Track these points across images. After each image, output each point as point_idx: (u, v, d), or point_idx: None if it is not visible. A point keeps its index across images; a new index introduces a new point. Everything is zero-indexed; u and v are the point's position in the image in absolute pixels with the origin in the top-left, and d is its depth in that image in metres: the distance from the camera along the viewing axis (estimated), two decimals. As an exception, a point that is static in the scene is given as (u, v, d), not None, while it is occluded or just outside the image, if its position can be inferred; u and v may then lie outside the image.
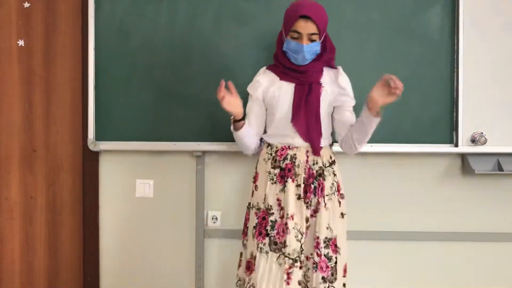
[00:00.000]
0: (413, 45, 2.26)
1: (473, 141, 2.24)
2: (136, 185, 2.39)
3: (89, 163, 2.39)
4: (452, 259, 2.37)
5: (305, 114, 1.86)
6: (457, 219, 2.36)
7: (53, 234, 2.47)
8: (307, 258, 1.84)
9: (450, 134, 2.26)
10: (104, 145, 2.32)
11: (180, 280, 2.40)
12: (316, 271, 1.82)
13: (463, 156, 2.32)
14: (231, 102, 1.82)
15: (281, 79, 1.91)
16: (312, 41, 1.81)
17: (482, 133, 2.23)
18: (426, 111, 2.26)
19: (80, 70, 2.38)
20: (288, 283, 1.80)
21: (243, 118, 1.90)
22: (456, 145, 2.25)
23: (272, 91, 1.91)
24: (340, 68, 1.95)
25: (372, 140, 2.23)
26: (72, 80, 2.42)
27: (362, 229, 2.36)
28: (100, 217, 2.42)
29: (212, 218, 2.38)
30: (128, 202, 2.40)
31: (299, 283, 1.81)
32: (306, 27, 1.78)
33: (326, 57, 1.90)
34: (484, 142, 2.23)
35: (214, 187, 2.38)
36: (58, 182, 2.45)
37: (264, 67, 1.99)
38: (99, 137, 2.32)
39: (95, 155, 2.38)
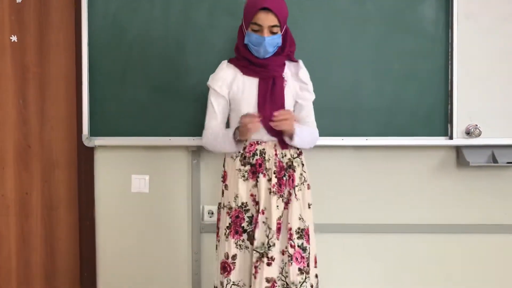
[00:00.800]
0: (407, 38, 2.26)
1: (468, 133, 2.25)
2: (131, 181, 2.39)
3: (84, 159, 2.39)
4: (447, 251, 2.38)
5: (271, 108, 1.82)
6: (452, 211, 2.37)
7: (49, 230, 2.47)
8: (282, 252, 1.83)
9: (444, 127, 2.27)
10: (99, 141, 2.31)
11: (177, 274, 2.40)
12: (292, 263, 1.81)
13: (458, 149, 2.32)
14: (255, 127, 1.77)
15: (243, 73, 1.88)
16: (273, 33, 1.79)
17: (476, 125, 2.24)
18: (421, 104, 2.26)
19: (74, 66, 2.37)
20: (255, 277, 1.79)
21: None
22: (451, 138, 2.26)
23: (236, 87, 1.88)
24: (300, 62, 1.93)
25: (366, 133, 2.26)
26: (66, 76, 2.41)
27: (357, 222, 2.37)
28: (96, 212, 2.42)
29: (208, 213, 2.38)
30: (123, 198, 2.40)
31: (267, 280, 1.78)
32: (266, 19, 1.76)
33: (288, 50, 1.89)
34: (479, 134, 2.23)
35: (210, 182, 2.38)
36: (53, 178, 2.45)
37: (225, 61, 1.94)
38: (94, 132, 2.31)
39: (90, 151, 2.38)
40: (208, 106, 1.93)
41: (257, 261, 1.80)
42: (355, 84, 2.27)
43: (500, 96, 2.25)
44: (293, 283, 1.81)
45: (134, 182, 2.39)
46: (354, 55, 2.26)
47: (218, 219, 1.95)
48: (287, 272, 1.82)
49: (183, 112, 2.28)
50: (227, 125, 1.97)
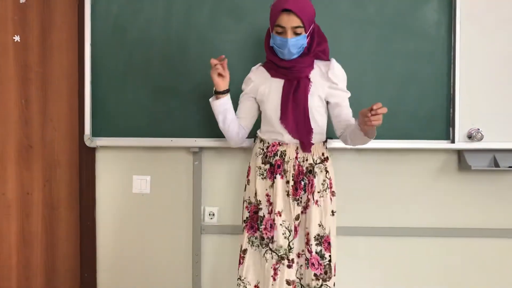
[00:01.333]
0: (409, 41, 2.25)
1: (470, 137, 2.24)
2: (133, 181, 2.39)
3: (85, 159, 2.39)
4: (448, 255, 2.37)
5: (293, 111, 1.84)
6: (453, 215, 2.36)
7: (50, 230, 2.47)
8: (298, 255, 1.84)
9: (446, 130, 2.26)
10: (100, 141, 2.32)
11: (177, 275, 2.40)
12: (308, 267, 1.82)
13: (460, 152, 2.32)
14: (219, 72, 1.86)
15: (272, 76, 1.90)
16: (297, 34, 1.78)
17: (478, 129, 2.23)
18: (423, 107, 2.26)
19: (76, 66, 2.37)
20: (274, 279, 1.80)
21: (225, 92, 1.92)
22: (453, 141, 2.25)
23: (263, 89, 1.91)
24: (332, 60, 1.91)
25: (368, 136, 2.25)
26: (68, 76, 2.41)
27: (359, 225, 2.36)
28: (97, 213, 2.42)
29: (209, 214, 2.38)
30: (125, 198, 2.40)
31: (288, 283, 1.79)
32: (289, 20, 1.76)
33: (315, 50, 1.87)
34: (481, 138, 2.23)
35: (211, 183, 2.38)
36: (55, 178, 2.45)
37: (259, 64, 1.99)
38: (95, 133, 2.32)
39: (92, 151, 2.38)
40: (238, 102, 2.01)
41: (276, 263, 1.81)
42: (357, 86, 2.26)
43: (503, 100, 2.24)
44: (308, 285, 1.82)
45: (136, 183, 2.39)
46: (356, 57, 2.26)
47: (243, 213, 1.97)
48: (301, 274, 1.84)
49: (185, 113, 2.28)
50: (258, 125, 2.01)
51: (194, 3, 2.26)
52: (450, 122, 2.26)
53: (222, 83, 1.90)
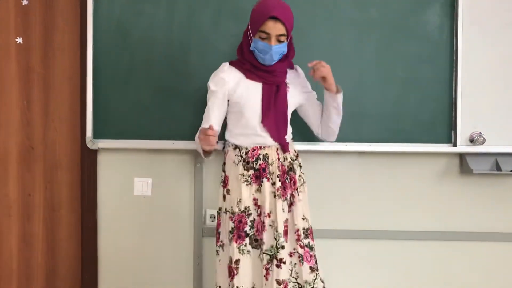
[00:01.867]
0: (412, 45, 2.25)
1: (472, 140, 2.24)
2: (134, 183, 2.39)
3: (87, 161, 2.39)
4: (450, 259, 2.37)
5: (275, 114, 1.87)
6: (455, 219, 2.36)
7: (51, 232, 2.47)
8: (290, 255, 1.85)
9: (448, 134, 2.26)
10: (102, 143, 2.31)
11: (178, 278, 2.40)
12: (303, 263, 1.84)
13: (462, 156, 2.32)
14: (210, 143, 1.80)
15: (247, 77, 1.90)
16: (280, 42, 1.81)
17: (480, 133, 2.23)
18: (425, 111, 2.26)
19: (78, 68, 2.37)
20: (266, 279, 1.82)
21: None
22: (455, 145, 2.25)
23: (240, 91, 1.89)
24: (298, 67, 2.01)
25: (370, 140, 2.26)
26: (70, 78, 2.41)
27: (360, 229, 2.36)
28: (98, 215, 2.41)
29: (211, 217, 2.38)
30: (126, 200, 2.40)
31: (278, 282, 1.80)
32: (275, 28, 1.77)
33: (291, 57, 1.93)
34: (483, 142, 2.23)
35: (213, 186, 2.37)
36: (56, 180, 2.45)
37: (227, 63, 1.95)
38: (97, 135, 2.31)
39: (93, 153, 2.38)
40: (206, 107, 1.95)
41: (267, 263, 1.83)
42: (359, 89, 2.27)
43: (505, 104, 2.24)
44: (306, 281, 1.84)
45: (137, 185, 2.39)
46: (358, 61, 2.26)
47: (218, 224, 1.96)
48: (297, 273, 1.85)
49: (186, 116, 2.27)
50: (224, 127, 1.99)
51: (196, 5, 2.27)
52: (452, 126, 2.26)
53: (213, 147, 1.85)
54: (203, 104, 2.24)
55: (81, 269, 2.43)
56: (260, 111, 1.87)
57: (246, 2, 2.24)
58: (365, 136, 2.26)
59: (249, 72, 1.90)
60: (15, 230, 2.46)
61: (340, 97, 1.93)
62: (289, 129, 1.97)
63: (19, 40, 2.40)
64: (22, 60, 2.40)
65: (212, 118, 1.92)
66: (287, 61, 1.91)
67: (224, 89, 1.90)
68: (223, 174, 1.96)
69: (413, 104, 2.26)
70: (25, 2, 2.38)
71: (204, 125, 1.93)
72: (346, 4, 2.25)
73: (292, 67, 1.99)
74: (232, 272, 1.84)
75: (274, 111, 1.87)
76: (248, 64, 1.89)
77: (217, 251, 1.95)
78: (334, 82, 1.89)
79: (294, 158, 1.95)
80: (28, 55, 2.40)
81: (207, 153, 1.92)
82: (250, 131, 1.89)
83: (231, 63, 1.95)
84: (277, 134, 1.89)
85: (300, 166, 1.97)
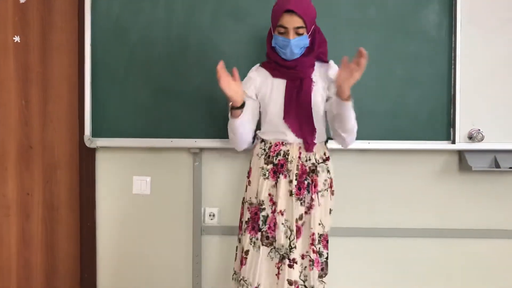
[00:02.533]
0: (410, 43, 2.25)
1: (470, 138, 2.24)
2: (133, 182, 2.39)
3: (85, 160, 2.39)
4: (449, 256, 2.37)
5: (297, 110, 1.85)
6: (454, 216, 2.36)
7: (50, 231, 2.47)
8: (302, 257, 1.84)
9: (447, 131, 2.26)
10: (100, 142, 2.31)
11: (177, 276, 2.40)
12: (313, 268, 1.83)
13: (460, 153, 2.32)
14: (231, 86, 1.76)
15: (273, 76, 1.90)
16: (299, 34, 1.80)
17: (479, 130, 2.23)
18: (424, 108, 2.26)
19: (76, 66, 2.37)
20: (278, 278, 1.81)
21: (242, 107, 1.83)
22: (454, 142, 2.25)
23: (265, 89, 1.91)
24: (331, 62, 1.93)
25: (369, 137, 2.25)
26: (68, 77, 2.41)
27: (358, 226, 2.36)
28: (97, 213, 2.41)
29: (210, 215, 2.38)
30: (125, 199, 2.40)
31: (290, 283, 1.79)
32: (291, 21, 1.77)
33: (317, 51, 1.89)
34: (481, 139, 2.23)
35: (211, 184, 2.38)
36: (55, 179, 2.45)
37: (258, 64, 1.98)
38: (95, 133, 2.31)
39: (92, 152, 2.38)
40: None
41: (279, 261, 1.83)
42: (358, 87, 2.24)
43: (503, 101, 2.24)
44: (313, 287, 1.83)
45: (136, 184, 2.39)
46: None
47: (241, 214, 1.97)
48: (306, 276, 1.84)
49: (185, 114, 2.27)
50: (258, 127, 1.99)
51: (195, 4, 2.26)
52: (450, 123, 2.26)
53: (239, 97, 1.79)
54: (202, 102, 2.26)
55: (80, 268, 2.44)
56: (283, 108, 1.86)
57: (245, 1, 2.25)
58: (364, 133, 2.25)
59: (274, 71, 1.90)
60: (14, 230, 2.46)
61: (348, 105, 1.74)
62: (322, 129, 1.91)
63: (17, 38, 2.39)
64: (20, 59, 2.40)
65: (247, 118, 1.91)
66: (313, 54, 1.87)
67: (251, 87, 1.92)
68: (249, 165, 1.98)
69: (412, 101, 2.26)
70: (22, 1, 2.37)
71: None
72: (345, 3, 2.25)
73: (323, 60, 1.92)
74: (243, 262, 1.87)
75: (296, 106, 1.85)
76: (273, 63, 1.90)
77: (239, 239, 1.96)
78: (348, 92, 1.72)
79: (321, 160, 1.89)
80: (26, 54, 2.40)
81: (236, 108, 1.81)
82: (274, 128, 1.89)
83: (261, 65, 1.96)
84: (300, 131, 1.86)
85: (328, 171, 1.90)
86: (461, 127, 2.24)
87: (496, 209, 2.35)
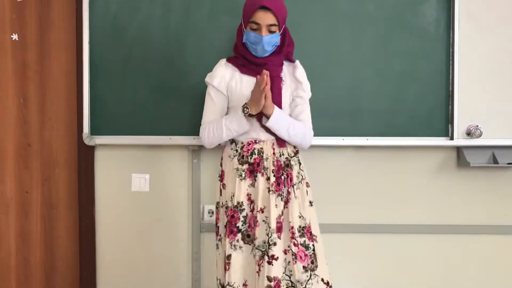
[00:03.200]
0: (408, 39, 2.26)
1: (469, 134, 2.25)
2: (132, 179, 2.39)
3: (84, 158, 2.39)
4: (448, 252, 2.38)
5: None
6: (452, 212, 2.37)
7: (49, 229, 2.47)
8: (285, 252, 1.83)
9: (445, 127, 2.27)
10: (99, 140, 2.31)
11: (177, 274, 2.40)
12: (296, 262, 1.81)
13: (459, 149, 2.32)
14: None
15: (241, 72, 1.89)
16: (272, 32, 1.80)
17: (477, 126, 2.24)
18: (422, 104, 2.26)
19: (74, 64, 2.37)
20: (258, 275, 1.80)
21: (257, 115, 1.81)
22: (452, 138, 2.25)
23: (234, 85, 1.89)
24: (297, 62, 1.94)
25: (367, 134, 2.26)
26: (66, 74, 2.40)
27: (357, 223, 2.37)
28: (96, 211, 2.41)
29: (208, 212, 2.38)
30: (124, 196, 2.40)
31: (269, 279, 1.77)
32: (265, 17, 1.77)
33: (286, 50, 1.89)
34: (480, 135, 2.23)
35: (210, 181, 2.38)
36: (54, 177, 2.45)
37: (224, 59, 1.95)
38: (94, 131, 2.31)
39: (91, 150, 2.38)
40: (206, 102, 1.93)
41: (259, 259, 1.81)
42: (356, 84, 2.27)
43: (501, 97, 2.25)
44: (298, 281, 1.80)
45: (135, 181, 2.39)
46: (355, 55, 2.26)
47: (217, 218, 1.95)
48: (291, 271, 1.82)
49: (183, 111, 2.27)
50: None
51: (193, 2, 2.26)
52: (449, 119, 2.26)
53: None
54: (200, 100, 2.24)
55: (80, 266, 2.44)
56: None
57: (242, -3, 2.25)
58: (363, 130, 2.26)
59: (243, 67, 1.89)
60: (13, 228, 2.46)
61: (269, 124, 1.80)
62: None
63: (15, 37, 2.39)
64: (18, 57, 2.40)
65: (210, 113, 1.92)
66: (282, 53, 1.89)
67: (222, 83, 1.90)
68: (220, 168, 1.96)
69: (410, 98, 2.26)
70: (20, -1, 2.37)
71: (204, 118, 1.92)
72: (343, -1, 2.25)
73: (291, 61, 1.95)
74: (226, 267, 1.84)
75: None
76: (242, 59, 1.89)
77: (217, 245, 1.95)
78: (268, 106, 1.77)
79: (292, 154, 1.91)
80: (24, 52, 2.39)
81: (252, 116, 1.80)
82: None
83: (228, 60, 1.94)
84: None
85: (300, 163, 1.93)
86: (459, 123, 2.24)
87: (495, 204, 2.36)
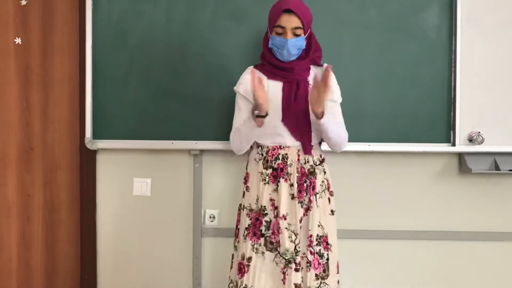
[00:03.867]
0: (411, 44, 2.26)
1: (470, 140, 2.24)
2: (133, 184, 2.39)
3: (86, 162, 2.39)
4: (448, 258, 2.37)
5: (295, 112, 1.84)
6: (453, 218, 2.36)
7: (51, 232, 2.47)
8: (301, 258, 1.84)
9: (447, 133, 2.26)
10: (101, 144, 2.31)
11: (177, 278, 2.40)
12: (310, 269, 1.82)
13: (460, 155, 2.32)
14: (264, 94, 1.72)
15: (268, 78, 1.89)
16: (297, 35, 1.80)
17: (479, 132, 2.23)
18: (424, 110, 2.26)
19: (77, 68, 2.37)
20: (284, 283, 1.80)
21: (267, 115, 1.78)
22: (453, 144, 2.25)
23: None
24: (325, 65, 1.91)
25: (369, 139, 2.26)
26: (69, 78, 2.41)
27: (359, 228, 2.36)
28: (98, 215, 2.42)
29: (210, 217, 2.38)
30: (125, 201, 2.40)
31: (296, 286, 1.79)
32: (289, 20, 1.78)
33: (312, 55, 1.89)
34: (481, 142, 2.23)
35: (212, 186, 2.38)
36: (55, 180, 2.45)
37: (251, 66, 1.96)
38: (96, 135, 2.32)
39: (93, 154, 2.38)
40: (235, 109, 1.94)
41: (284, 267, 1.82)
42: (358, 89, 2.27)
43: (503, 103, 2.24)
44: (309, 287, 1.82)
45: (136, 185, 2.39)
46: (357, 60, 2.26)
47: (238, 220, 1.97)
48: (302, 277, 1.83)
49: (185, 116, 2.28)
50: None
51: (195, 6, 2.27)
52: (450, 125, 2.26)
53: (267, 105, 1.74)
54: (202, 104, 2.26)
55: (81, 270, 2.44)
56: (281, 110, 1.85)
57: (245, 2, 2.25)
58: (364, 135, 2.26)
59: (269, 73, 1.89)
60: (14, 231, 2.46)
61: (321, 123, 1.78)
62: (316, 131, 1.89)
63: (18, 40, 2.40)
64: (21, 61, 2.40)
65: (237, 119, 1.92)
66: (308, 57, 1.88)
67: (248, 90, 1.86)
68: (245, 171, 1.97)
69: (412, 103, 2.26)
70: (23, 3, 2.38)
71: (233, 125, 1.92)
72: (345, 4, 2.25)
73: (318, 65, 1.92)
74: (242, 269, 1.84)
75: (294, 109, 1.84)
76: (269, 65, 1.89)
77: (235, 246, 1.96)
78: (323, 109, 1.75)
79: (318, 162, 1.90)
80: (27, 56, 2.40)
81: (262, 117, 1.76)
82: (271, 130, 1.87)
83: (255, 67, 1.94)
84: (298, 133, 1.86)
85: (325, 172, 1.92)
86: (461, 130, 2.24)
87: (496, 211, 2.35)
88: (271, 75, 1.89)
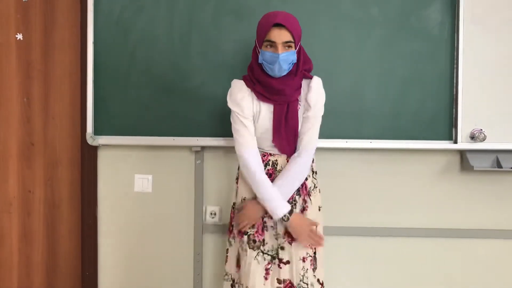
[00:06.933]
0: (413, 42, 2.25)
1: (472, 137, 2.24)
2: (134, 180, 2.39)
3: (87, 158, 2.39)
4: (450, 256, 2.37)
5: (285, 133, 1.84)
6: (455, 216, 2.36)
7: (51, 228, 2.47)
8: (303, 259, 1.86)
9: (449, 131, 2.26)
10: (102, 140, 2.31)
11: (179, 275, 2.40)
12: (311, 265, 1.88)
13: (462, 153, 2.32)
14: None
15: (259, 99, 1.84)
16: (287, 49, 1.75)
17: (481, 129, 2.23)
18: (426, 108, 2.25)
19: (79, 64, 2.37)
20: (266, 279, 1.83)
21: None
22: (455, 142, 2.25)
23: (254, 109, 1.86)
24: (313, 81, 1.85)
25: (371, 136, 2.26)
26: (70, 74, 2.41)
27: (360, 225, 2.36)
28: (99, 211, 2.42)
29: (211, 214, 2.38)
30: (126, 197, 2.40)
31: (279, 281, 1.83)
32: (280, 35, 1.72)
33: (302, 68, 1.83)
34: (483, 139, 2.22)
35: (213, 183, 2.38)
36: (57, 176, 2.45)
37: (240, 81, 1.88)
38: (97, 131, 2.31)
39: (94, 150, 2.38)
40: (237, 126, 1.85)
41: (268, 263, 1.85)
42: (360, 87, 2.26)
43: (506, 101, 2.24)
44: (312, 284, 1.86)
45: (137, 182, 2.39)
46: (359, 58, 2.25)
47: (231, 218, 1.99)
48: (303, 276, 1.85)
49: (187, 112, 2.27)
50: None
51: (197, 2, 2.26)
52: (453, 123, 2.25)
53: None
54: (204, 100, 2.26)
55: (81, 266, 2.44)
56: (271, 131, 1.85)
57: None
58: (366, 133, 2.26)
59: (260, 95, 1.83)
60: (15, 227, 2.46)
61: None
62: None
63: (19, 36, 2.39)
64: (22, 57, 2.40)
65: (244, 136, 1.85)
66: (298, 74, 1.83)
67: (246, 108, 1.83)
68: (237, 171, 1.99)
69: (414, 101, 2.25)
70: (25, -1, 2.38)
71: (241, 140, 1.85)
72: (347, 2, 2.25)
73: (308, 77, 1.87)
74: (226, 259, 1.99)
75: (284, 130, 1.84)
76: (259, 86, 1.83)
77: (230, 242, 1.98)
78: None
79: None
80: (28, 52, 2.40)
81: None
82: (261, 145, 1.90)
83: (244, 80, 1.87)
84: (288, 151, 1.87)
85: (313, 172, 1.95)
86: (463, 127, 2.24)
87: (498, 209, 2.35)
88: (261, 98, 1.84)
